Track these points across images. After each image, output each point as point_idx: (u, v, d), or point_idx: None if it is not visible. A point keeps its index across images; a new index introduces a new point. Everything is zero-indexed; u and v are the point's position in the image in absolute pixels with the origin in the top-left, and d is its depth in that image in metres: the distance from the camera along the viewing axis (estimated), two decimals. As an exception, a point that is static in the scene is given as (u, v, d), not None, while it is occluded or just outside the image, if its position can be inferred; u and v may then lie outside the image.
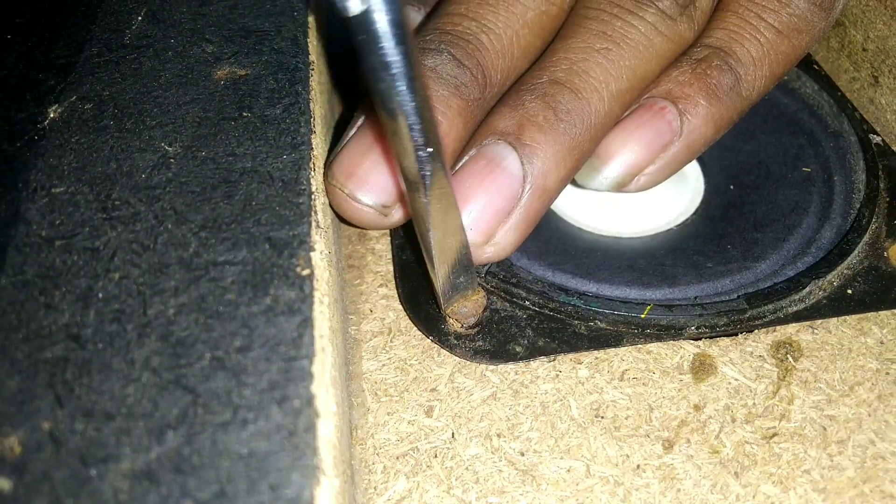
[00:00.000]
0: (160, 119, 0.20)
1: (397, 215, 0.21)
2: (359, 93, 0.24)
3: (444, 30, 0.23)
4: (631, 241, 0.26)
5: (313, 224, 0.17)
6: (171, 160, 0.19)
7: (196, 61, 0.22)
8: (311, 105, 0.21)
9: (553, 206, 0.27)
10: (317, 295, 0.16)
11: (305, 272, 0.16)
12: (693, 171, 0.29)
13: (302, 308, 0.15)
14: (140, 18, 0.24)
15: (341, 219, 0.22)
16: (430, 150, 0.16)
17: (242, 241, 0.17)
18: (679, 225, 0.27)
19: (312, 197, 0.18)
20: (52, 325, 0.15)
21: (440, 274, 0.21)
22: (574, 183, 0.24)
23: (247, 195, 0.18)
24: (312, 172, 0.19)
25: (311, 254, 0.17)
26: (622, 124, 0.23)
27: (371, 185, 0.20)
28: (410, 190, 0.18)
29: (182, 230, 0.17)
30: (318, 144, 0.21)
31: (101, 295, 0.16)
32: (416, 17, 0.26)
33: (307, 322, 0.15)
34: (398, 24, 0.14)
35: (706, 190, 0.28)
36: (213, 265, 0.16)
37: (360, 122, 0.21)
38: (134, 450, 0.13)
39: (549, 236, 0.26)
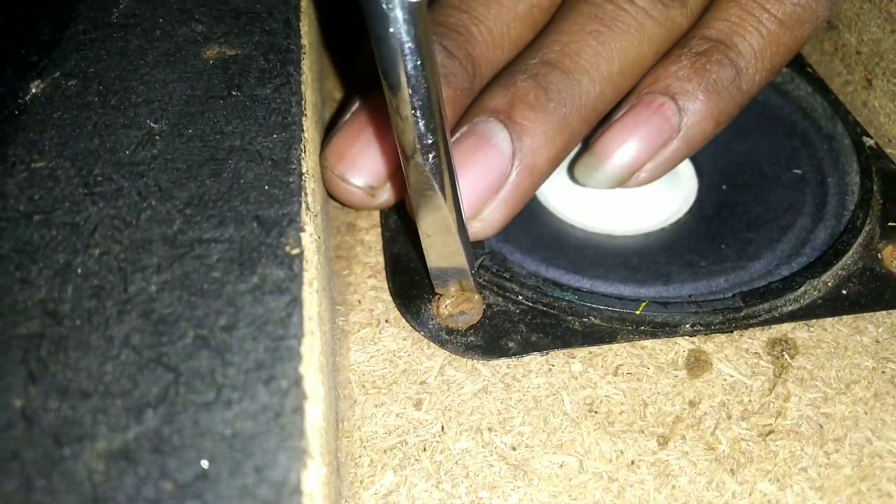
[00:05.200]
0: (146, 96, 0.20)
1: (384, 196, 0.22)
2: (354, 82, 0.24)
3: (436, 21, 0.23)
4: (624, 239, 0.26)
5: (303, 205, 0.17)
6: (157, 137, 0.18)
7: (185, 40, 0.22)
8: (303, 88, 0.21)
9: (545, 203, 0.27)
10: (306, 276, 0.15)
11: (295, 251, 0.15)
12: (686, 171, 0.28)
13: (291, 288, 0.15)
14: (128, -3, 0.24)
15: (334, 198, 0.23)
16: (433, 125, 0.16)
17: (229, 219, 0.16)
18: (672, 224, 0.26)
19: (303, 178, 0.17)
20: (27, 301, 0.15)
21: (433, 256, 0.20)
22: (573, 180, 0.24)
23: (235, 173, 0.17)
24: (304, 154, 0.19)
25: (301, 234, 0.16)
26: (621, 121, 0.23)
27: (359, 167, 0.21)
28: (409, 167, 0.17)
29: (166, 207, 0.16)
30: (310, 128, 0.21)
31: (79, 271, 0.15)
32: None
33: (296, 302, 0.14)
34: None
35: (699, 189, 0.28)
36: (199, 242, 0.16)
37: (354, 107, 0.21)
38: (111, 429, 0.12)
39: (541, 232, 0.26)
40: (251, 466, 0.12)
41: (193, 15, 0.23)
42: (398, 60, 0.14)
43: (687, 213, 0.27)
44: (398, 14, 0.14)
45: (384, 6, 0.14)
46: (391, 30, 0.14)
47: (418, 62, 0.14)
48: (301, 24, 0.23)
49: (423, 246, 0.20)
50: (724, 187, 0.27)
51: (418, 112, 0.15)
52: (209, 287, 0.15)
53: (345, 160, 0.21)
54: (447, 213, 0.18)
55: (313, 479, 0.12)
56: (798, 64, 0.31)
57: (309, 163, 0.19)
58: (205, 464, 0.12)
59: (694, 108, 0.23)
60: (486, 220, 0.21)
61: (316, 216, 0.19)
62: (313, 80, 0.25)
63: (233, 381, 0.13)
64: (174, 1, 0.23)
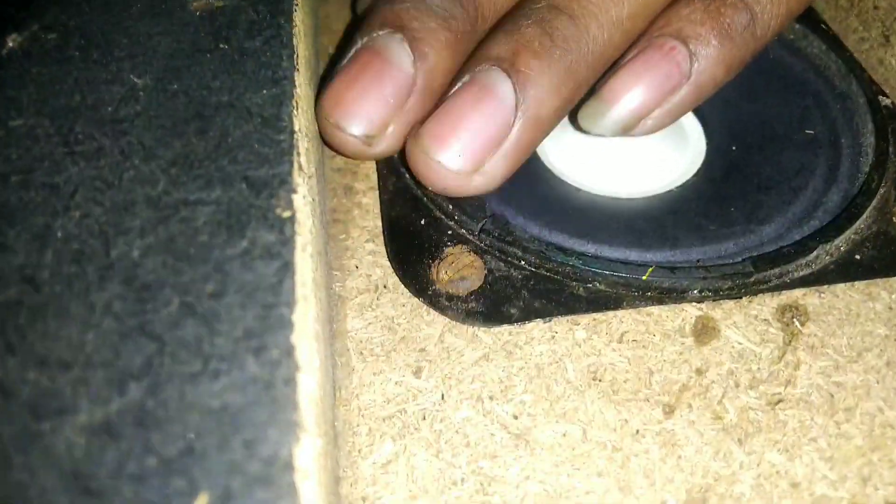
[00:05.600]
0: (129, 50, 0.19)
1: (382, 145, 0.21)
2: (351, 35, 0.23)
3: None
4: (630, 201, 0.25)
5: (296, 165, 0.16)
6: (141, 93, 0.17)
7: (170, -8, 0.21)
8: (295, 41, 0.20)
9: (549, 164, 0.26)
10: (298, 240, 0.15)
11: (286, 214, 0.15)
12: (694, 131, 0.27)
13: (282, 252, 0.14)
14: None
15: (332, 149, 0.22)
16: None
17: (217, 180, 0.15)
18: (679, 186, 0.25)
19: (295, 136, 0.16)
20: (4, 267, 0.14)
21: None
22: (577, 127, 0.23)
23: (222, 131, 0.16)
24: (296, 111, 0.18)
25: (293, 196, 0.15)
26: (630, 65, 0.22)
27: (355, 114, 0.20)
28: None
29: (150, 166, 0.16)
30: (303, 84, 0.20)
31: (59, 234, 0.14)
32: None
33: (287, 267, 0.14)
34: None
35: (708, 150, 0.27)
36: (184, 204, 0.15)
37: (350, 53, 0.20)
38: (92, 402, 0.12)
39: (544, 195, 0.25)
40: (240, 441, 0.11)
41: (179, -36, 0.22)
42: None
43: (695, 174, 0.26)
44: None
45: None
46: None
47: None
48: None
49: None
50: (733, 148, 0.26)
51: None
52: (195, 252, 0.14)
53: (340, 107, 0.20)
54: None
55: (307, 453, 0.12)
56: (812, 20, 0.30)
57: (302, 121, 0.18)
58: (191, 438, 0.11)
59: (706, 54, 0.22)
60: (487, 173, 0.21)
61: (310, 177, 0.18)
62: (307, 34, 0.24)
63: (220, 351, 0.12)
64: (159, -50, 0.22)
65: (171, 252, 0.14)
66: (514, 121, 0.20)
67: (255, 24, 0.19)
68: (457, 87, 0.21)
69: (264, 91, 0.17)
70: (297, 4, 0.21)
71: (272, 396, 0.12)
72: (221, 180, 0.15)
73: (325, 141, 0.22)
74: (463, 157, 0.20)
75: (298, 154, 0.17)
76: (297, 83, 0.18)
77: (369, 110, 0.20)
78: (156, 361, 0.12)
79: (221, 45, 0.19)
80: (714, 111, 0.27)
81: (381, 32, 0.20)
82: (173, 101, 0.17)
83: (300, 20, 0.21)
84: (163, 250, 0.14)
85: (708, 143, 0.27)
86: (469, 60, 0.21)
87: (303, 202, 0.16)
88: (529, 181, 0.25)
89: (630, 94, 0.22)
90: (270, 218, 0.14)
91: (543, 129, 0.21)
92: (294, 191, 0.15)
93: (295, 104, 0.18)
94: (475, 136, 0.20)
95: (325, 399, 0.14)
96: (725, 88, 0.28)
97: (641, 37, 0.22)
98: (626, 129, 0.23)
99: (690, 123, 0.27)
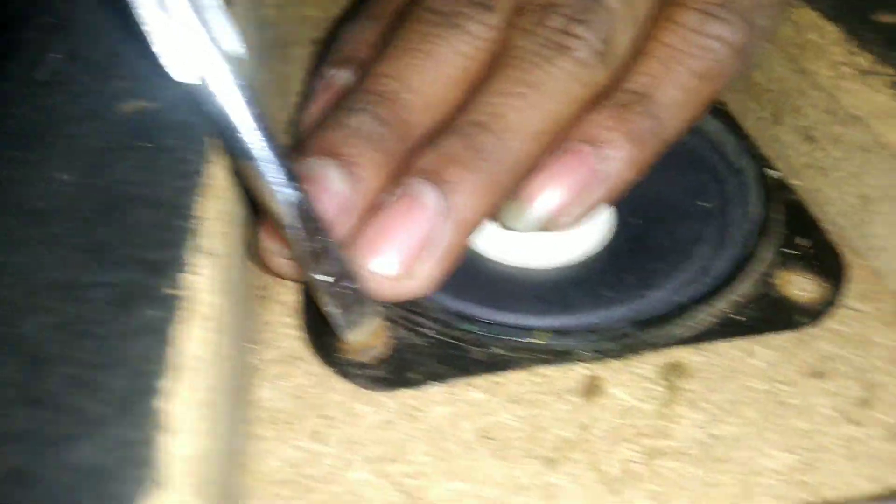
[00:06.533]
0: (59, 150, 0.21)
1: None
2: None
3: (367, 90, 0.24)
4: (539, 272, 0.27)
5: (194, 247, 0.18)
6: (64, 188, 0.20)
7: (106, 96, 0.23)
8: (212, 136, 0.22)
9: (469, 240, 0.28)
10: (185, 315, 0.16)
11: (173, 292, 0.16)
12: (605, 207, 0.29)
13: (164, 328, 0.16)
14: (58, 56, 0.25)
15: (276, 275, 0.24)
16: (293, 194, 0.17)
17: (119, 264, 0.17)
18: (587, 257, 0.27)
19: (196, 221, 0.19)
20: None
21: (331, 313, 0.21)
22: (501, 225, 0.25)
23: (132, 220, 0.18)
24: (203, 198, 0.20)
25: (185, 275, 0.17)
26: (546, 167, 0.24)
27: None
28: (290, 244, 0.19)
29: (62, 254, 0.18)
30: (219, 173, 0.22)
31: (-26, 316, 0.16)
32: (347, 77, 0.27)
33: (168, 341, 0.15)
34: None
35: (617, 224, 0.29)
36: (86, 286, 0.17)
37: None
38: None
39: (460, 267, 0.27)
40: (96, 495, 0.13)
41: (117, 72, 0.24)
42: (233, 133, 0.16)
43: (603, 246, 0.28)
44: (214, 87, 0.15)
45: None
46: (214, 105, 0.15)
47: (254, 129, 0.16)
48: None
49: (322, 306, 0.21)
50: (639, 221, 0.29)
51: (271, 176, 0.17)
52: (88, 328, 0.16)
53: (276, 239, 0.22)
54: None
55: (165, 505, 0.13)
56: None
57: (210, 206, 0.20)
58: (56, 494, 0.13)
59: (615, 156, 0.24)
60: (419, 277, 0.22)
61: (218, 258, 0.20)
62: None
63: (93, 416, 0.14)
64: (100, 59, 0.25)
65: (68, 329, 0.16)
66: (441, 227, 0.22)
67: (173, 123, 0.22)
68: (388, 199, 0.22)
69: (175, 183, 0.19)
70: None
71: (131, 456, 0.13)
72: (123, 264, 0.17)
73: (262, 265, 0.23)
74: (394, 263, 0.21)
75: (202, 237, 0.19)
76: (208, 174, 0.21)
77: None
78: (35, 427, 0.14)
79: (145, 144, 0.21)
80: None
81: (317, 160, 0.22)
82: (93, 195, 0.19)
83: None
84: (62, 327, 0.16)
85: (617, 218, 0.29)
86: (401, 175, 0.23)
87: (199, 281, 0.18)
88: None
89: (546, 195, 0.24)
90: (157, 296, 0.16)
91: (469, 232, 0.23)
92: (186, 270, 0.17)
93: (204, 192, 0.20)
94: (404, 243, 0.21)
95: (210, 463, 0.16)
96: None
97: (558, 144, 0.24)
98: (544, 227, 0.24)
99: (600, 199, 0.30)
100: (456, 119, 0.24)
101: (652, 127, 0.24)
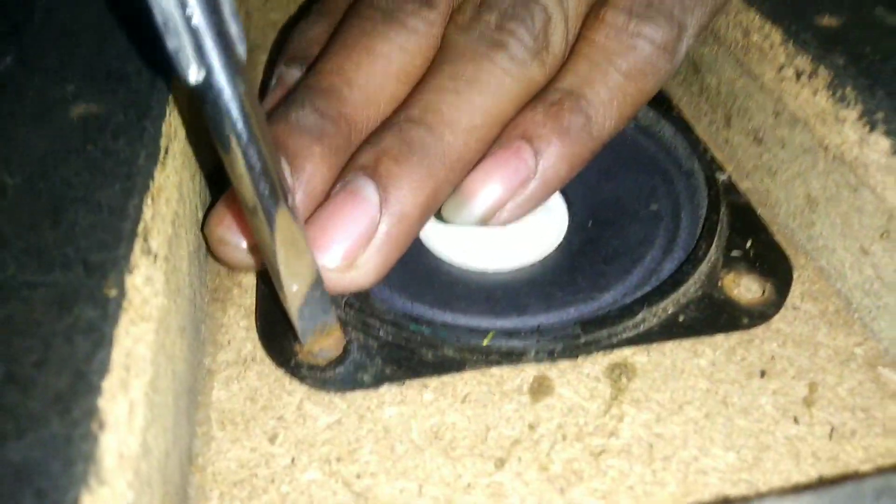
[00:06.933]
0: (6, 153, 0.21)
1: None
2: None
3: (310, 86, 0.25)
4: (494, 275, 0.27)
5: (137, 249, 0.18)
6: (9, 191, 0.20)
7: (54, 100, 0.23)
8: (161, 140, 0.22)
9: (426, 242, 0.28)
10: (125, 316, 0.17)
11: (112, 293, 0.17)
12: (559, 210, 0.30)
13: (102, 327, 0.16)
14: (7, 60, 0.25)
15: (225, 264, 0.25)
16: (270, 189, 0.17)
17: (58, 264, 0.17)
18: (541, 260, 0.28)
19: (139, 223, 0.19)
20: None
21: (293, 311, 0.21)
22: (441, 219, 0.25)
23: (73, 222, 0.18)
24: (149, 201, 0.20)
25: (126, 276, 0.17)
26: (482, 164, 0.25)
27: (235, 230, 0.22)
28: (257, 232, 0.19)
29: (3, 254, 0.18)
30: (169, 177, 0.22)
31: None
32: (297, 74, 0.28)
33: (105, 340, 0.16)
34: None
35: (569, 227, 0.29)
36: (26, 286, 0.17)
37: None
38: None
39: (416, 270, 0.27)
40: (33, 489, 0.13)
41: (67, 76, 0.24)
42: (224, 121, 0.16)
43: (556, 249, 0.28)
44: (217, 75, 0.15)
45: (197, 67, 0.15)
46: (212, 90, 0.15)
47: (244, 120, 0.16)
48: (172, 82, 0.25)
49: (282, 300, 0.21)
50: (590, 224, 0.29)
51: (254, 170, 0.17)
52: (27, 327, 0.16)
53: (223, 225, 0.22)
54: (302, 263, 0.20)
55: (100, 502, 0.13)
56: (664, 107, 0.34)
57: (156, 208, 0.20)
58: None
59: (549, 152, 0.24)
60: (361, 268, 0.23)
61: (164, 260, 0.20)
62: (189, 133, 0.26)
63: (31, 413, 0.14)
64: (50, 63, 0.25)
65: (6, 327, 0.16)
66: (379, 218, 0.22)
67: (122, 126, 0.22)
68: (333, 194, 0.23)
69: (117, 186, 0.19)
70: (171, 108, 0.24)
71: (68, 452, 0.13)
72: (62, 265, 0.17)
73: (213, 255, 0.24)
74: (337, 256, 0.22)
75: (145, 239, 0.19)
76: (154, 176, 0.21)
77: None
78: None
79: (89, 147, 0.21)
80: (577, 191, 0.30)
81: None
82: (36, 198, 0.19)
83: (175, 122, 0.24)
84: (1, 326, 0.16)
85: (570, 221, 0.29)
86: (341, 173, 0.24)
87: (142, 282, 0.18)
88: (406, 258, 0.27)
89: (484, 190, 0.24)
90: (97, 297, 0.16)
91: (410, 225, 0.23)
92: (126, 271, 0.17)
93: (150, 195, 0.20)
94: (345, 236, 0.22)
95: (146, 459, 0.16)
96: (588, 170, 0.31)
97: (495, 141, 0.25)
98: (484, 221, 0.25)
99: (555, 202, 0.30)
100: (393, 114, 0.24)
101: (584, 125, 0.25)
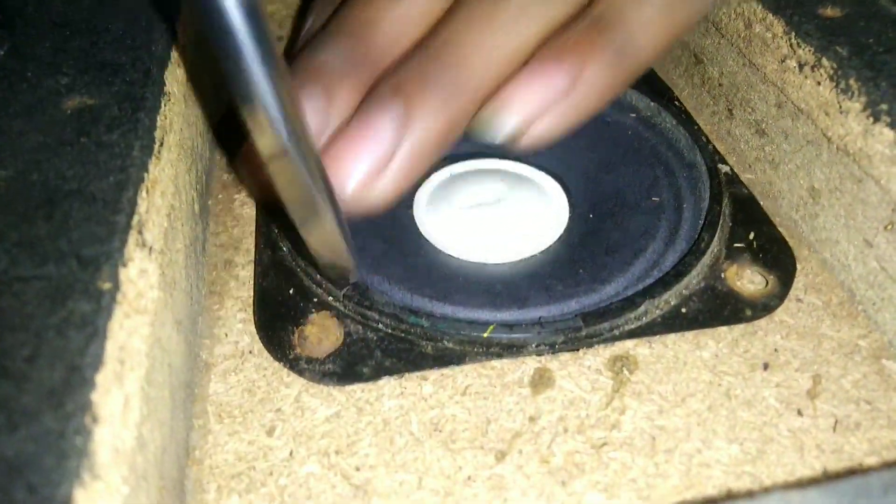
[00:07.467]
0: (0, 146, 0.21)
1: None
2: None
3: (336, 30, 0.25)
4: (494, 267, 0.27)
5: (131, 242, 0.18)
6: (2, 183, 0.19)
7: (48, 92, 0.23)
8: (156, 132, 0.22)
9: (425, 234, 0.28)
10: (119, 309, 0.16)
11: (106, 286, 0.16)
12: (559, 201, 0.30)
13: (96, 321, 0.16)
14: (0, 52, 0.25)
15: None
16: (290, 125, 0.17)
17: (52, 258, 0.17)
18: (541, 252, 0.28)
19: (133, 216, 0.18)
20: None
21: (337, 245, 0.21)
22: (471, 136, 0.25)
23: (66, 215, 0.18)
24: (143, 194, 0.20)
25: (120, 269, 0.17)
26: (516, 79, 0.24)
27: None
28: (280, 177, 0.18)
29: (-4, 248, 0.17)
30: (164, 169, 0.22)
31: None
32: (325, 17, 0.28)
33: (98, 333, 0.15)
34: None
35: (570, 219, 0.29)
36: (18, 280, 0.16)
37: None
38: None
39: (416, 262, 0.27)
40: (25, 484, 0.13)
41: (61, 68, 0.24)
42: (242, 65, 0.15)
43: (556, 241, 0.28)
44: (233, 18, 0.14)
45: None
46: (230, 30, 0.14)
47: (264, 64, 0.15)
48: (166, 73, 0.24)
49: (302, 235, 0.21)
50: (591, 216, 0.29)
51: (273, 114, 0.16)
52: (20, 321, 0.15)
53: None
54: (319, 207, 0.20)
55: (94, 496, 0.13)
56: (666, 98, 0.33)
57: (151, 200, 0.20)
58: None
59: (587, 68, 0.24)
60: (378, 189, 0.22)
61: (161, 253, 0.20)
62: (189, 124, 0.26)
63: (24, 408, 0.14)
64: (43, 54, 0.25)
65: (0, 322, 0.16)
66: (399, 143, 0.22)
67: (116, 119, 0.21)
68: (350, 122, 0.23)
69: (111, 178, 0.19)
70: (166, 100, 0.23)
71: (61, 446, 0.13)
72: (56, 258, 0.17)
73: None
74: (354, 180, 0.22)
75: (140, 232, 0.19)
76: (150, 168, 0.20)
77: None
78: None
79: (83, 139, 0.21)
80: (578, 182, 0.30)
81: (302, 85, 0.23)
82: (30, 190, 0.19)
83: (174, 112, 0.24)
84: (-8, 321, 0.16)
85: (570, 213, 0.29)
86: (363, 103, 0.23)
87: (136, 275, 0.18)
88: (404, 249, 0.27)
89: (520, 98, 0.24)
90: (90, 290, 0.16)
91: (428, 151, 0.23)
92: (121, 264, 0.17)
93: (145, 188, 0.20)
94: (364, 160, 0.22)
95: (141, 453, 0.16)
96: (589, 162, 0.31)
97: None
98: (515, 136, 0.24)
99: (556, 195, 0.30)
100: (414, 51, 0.24)
101: (619, 46, 0.24)
